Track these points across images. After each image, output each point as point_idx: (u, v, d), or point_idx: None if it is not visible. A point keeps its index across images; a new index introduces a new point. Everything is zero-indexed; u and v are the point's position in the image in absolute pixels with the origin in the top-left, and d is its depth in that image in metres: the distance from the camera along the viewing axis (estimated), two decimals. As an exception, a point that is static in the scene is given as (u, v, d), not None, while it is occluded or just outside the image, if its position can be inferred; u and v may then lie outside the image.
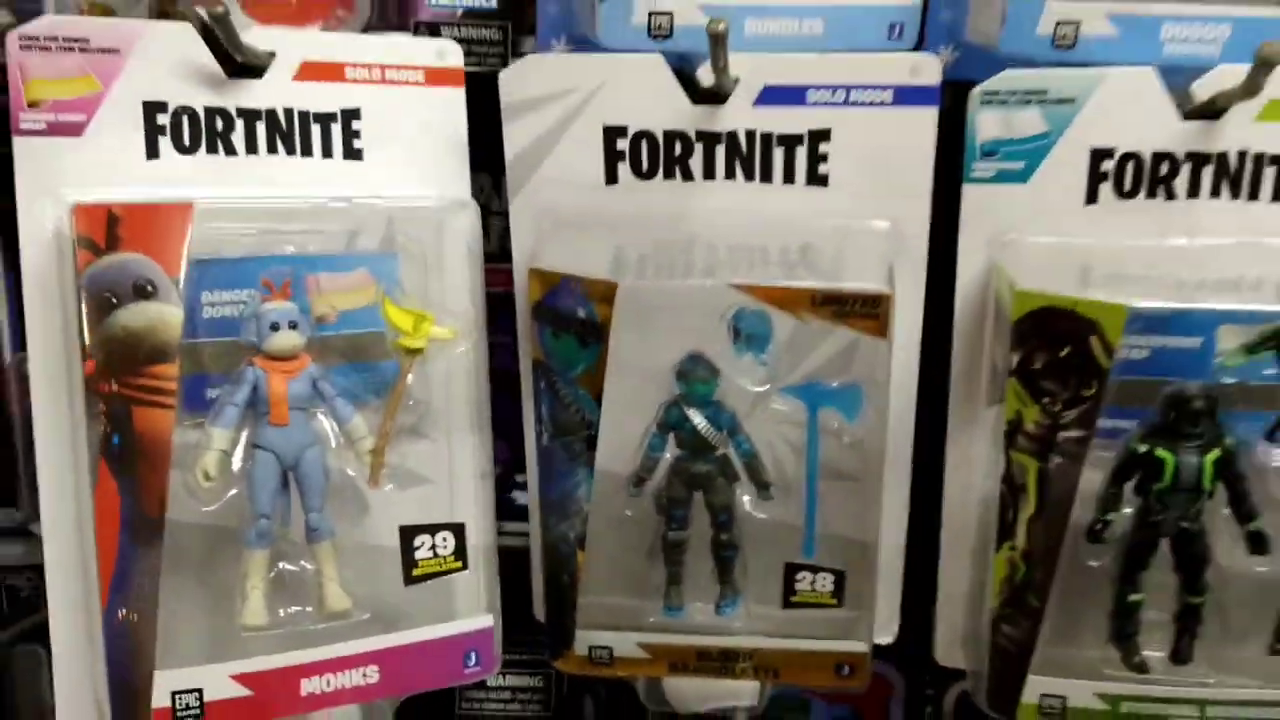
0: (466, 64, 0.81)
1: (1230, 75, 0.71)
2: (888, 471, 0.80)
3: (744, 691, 0.86)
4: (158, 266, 0.65)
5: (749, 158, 0.78)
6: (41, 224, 0.69)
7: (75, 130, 0.70)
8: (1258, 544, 0.72)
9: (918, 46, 0.80)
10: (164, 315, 0.65)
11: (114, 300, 0.64)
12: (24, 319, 0.70)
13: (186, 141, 0.73)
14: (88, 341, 0.65)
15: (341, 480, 0.72)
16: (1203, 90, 0.72)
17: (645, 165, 0.79)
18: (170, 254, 0.66)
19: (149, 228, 0.65)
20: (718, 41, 0.70)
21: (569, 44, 0.81)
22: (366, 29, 0.84)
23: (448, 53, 0.79)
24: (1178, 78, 0.73)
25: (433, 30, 0.85)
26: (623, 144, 0.78)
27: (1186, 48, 0.75)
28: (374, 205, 0.73)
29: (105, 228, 0.64)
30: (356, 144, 0.77)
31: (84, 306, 0.64)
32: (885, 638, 0.86)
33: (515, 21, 0.85)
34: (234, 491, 0.70)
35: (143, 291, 0.65)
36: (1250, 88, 0.68)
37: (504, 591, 0.84)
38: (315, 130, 0.76)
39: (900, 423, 0.81)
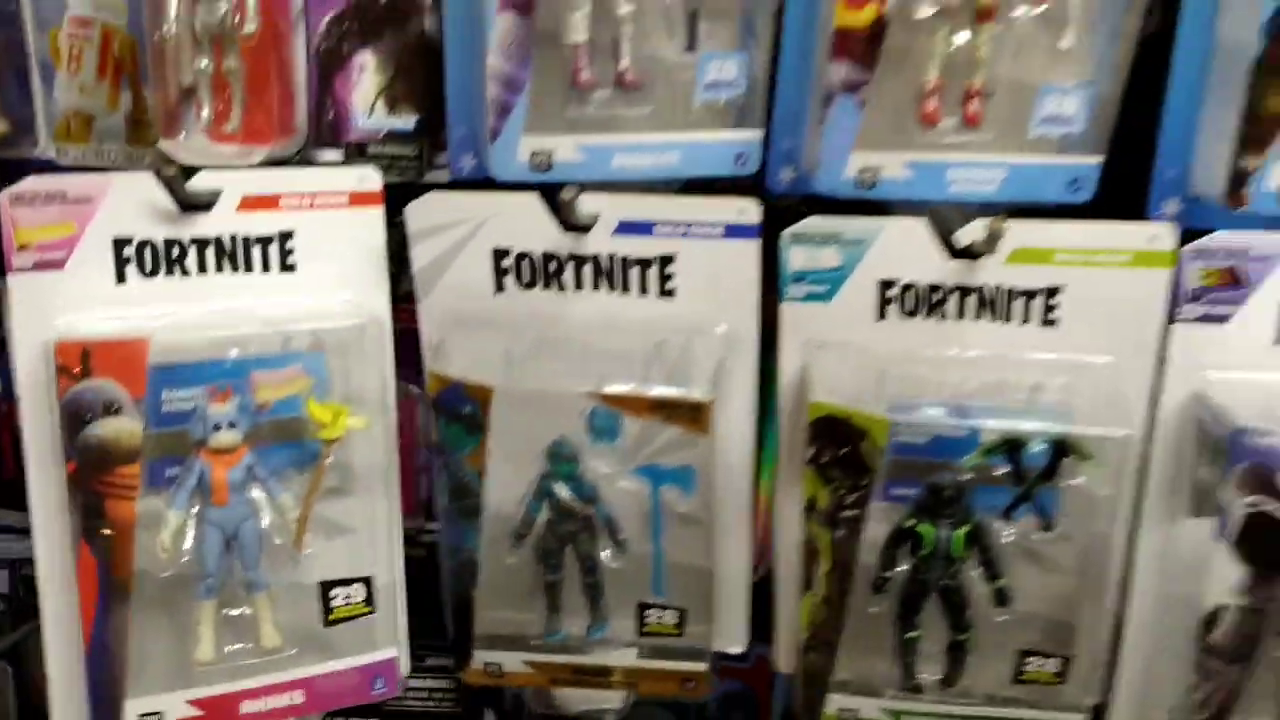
0: (390, 175, 0.98)
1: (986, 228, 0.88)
2: (731, 517, 0.99)
3: (613, 697, 1.06)
4: (122, 389, 0.84)
5: (610, 274, 0.95)
6: (33, 345, 0.87)
7: (57, 265, 0.88)
8: (1001, 599, 0.90)
9: (761, 170, 0.97)
10: (127, 428, 0.84)
11: (88, 417, 0.83)
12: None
13: (149, 269, 0.90)
14: (68, 448, 0.83)
15: (273, 544, 0.91)
16: (964, 237, 0.89)
17: (527, 279, 0.96)
18: (132, 378, 0.84)
19: (114, 358, 0.83)
20: (567, 205, 0.87)
21: (475, 158, 0.98)
22: (304, 148, 1.01)
23: (367, 178, 0.96)
24: (945, 226, 0.90)
25: (360, 148, 1.01)
26: (507, 262, 0.96)
27: (968, 187, 0.92)
28: (302, 328, 0.90)
29: (79, 359, 0.82)
30: (291, 260, 0.94)
31: (64, 422, 0.83)
32: (736, 648, 1.06)
33: (431, 140, 1.01)
34: (187, 557, 0.89)
35: (110, 409, 0.83)
36: (989, 244, 0.86)
37: (429, 599, 1.03)
38: (256, 251, 0.93)
39: (738, 475, 0.99)
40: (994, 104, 0.91)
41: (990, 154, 0.91)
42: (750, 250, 0.92)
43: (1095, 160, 0.91)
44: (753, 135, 0.95)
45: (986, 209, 0.92)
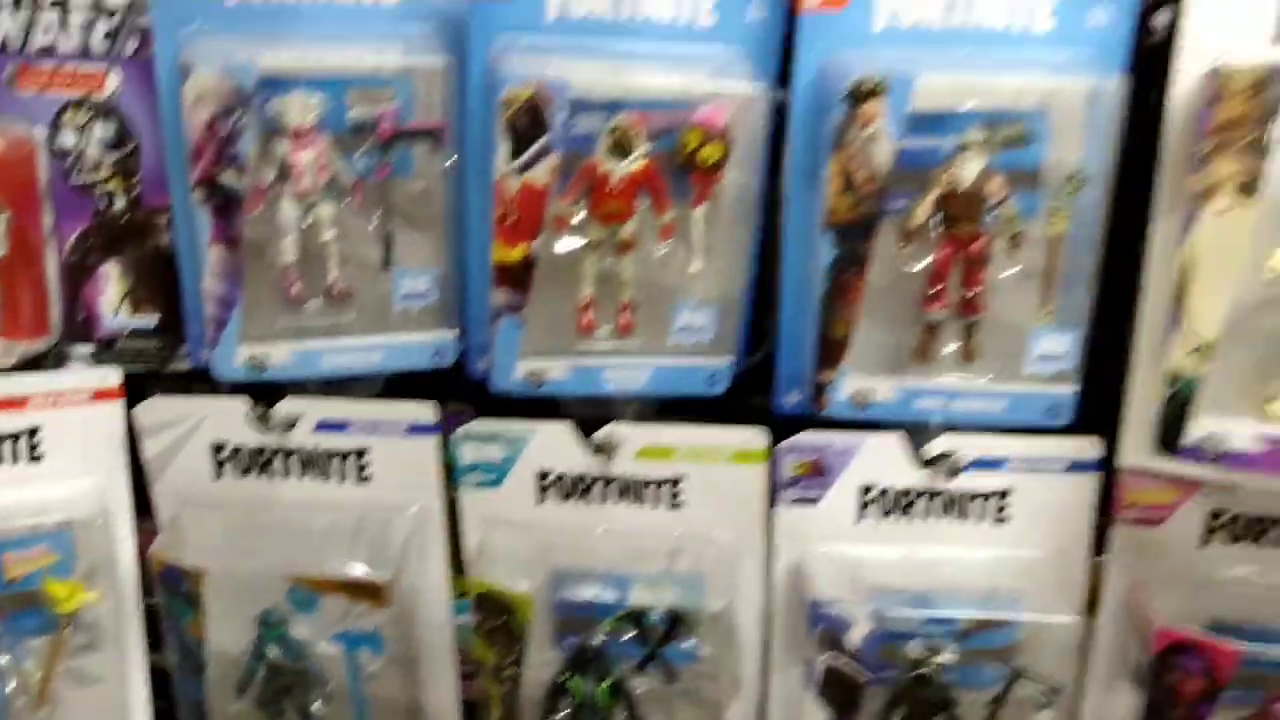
0: (136, 366, 1.13)
1: (617, 431, 1.06)
2: (435, 661, 1.15)
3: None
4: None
5: (314, 464, 1.11)
6: None
7: None
8: (644, 735, 1.08)
9: (461, 358, 1.13)
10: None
11: None
12: None
13: (-93, 472, 1.04)
14: None
15: (19, 703, 1.06)
16: (599, 439, 1.07)
17: (243, 467, 1.12)
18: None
19: None
20: (265, 419, 1.03)
21: (210, 350, 1.13)
22: (59, 344, 1.16)
23: (109, 377, 1.11)
24: (588, 427, 1.07)
25: (110, 343, 1.15)
26: (223, 456, 1.11)
27: (622, 385, 1.08)
28: (48, 516, 1.05)
29: None
30: (37, 452, 1.09)
31: None
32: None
33: (172, 335, 1.15)
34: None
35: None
36: (613, 448, 1.04)
37: None
38: (6, 446, 1.08)
39: (438, 627, 1.15)
40: (641, 315, 1.08)
41: (639, 357, 1.08)
42: (429, 445, 1.09)
43: (727, 360, 1.09)
44: (449, 334, 1.12)
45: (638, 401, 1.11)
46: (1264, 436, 0.91)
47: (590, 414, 1.12)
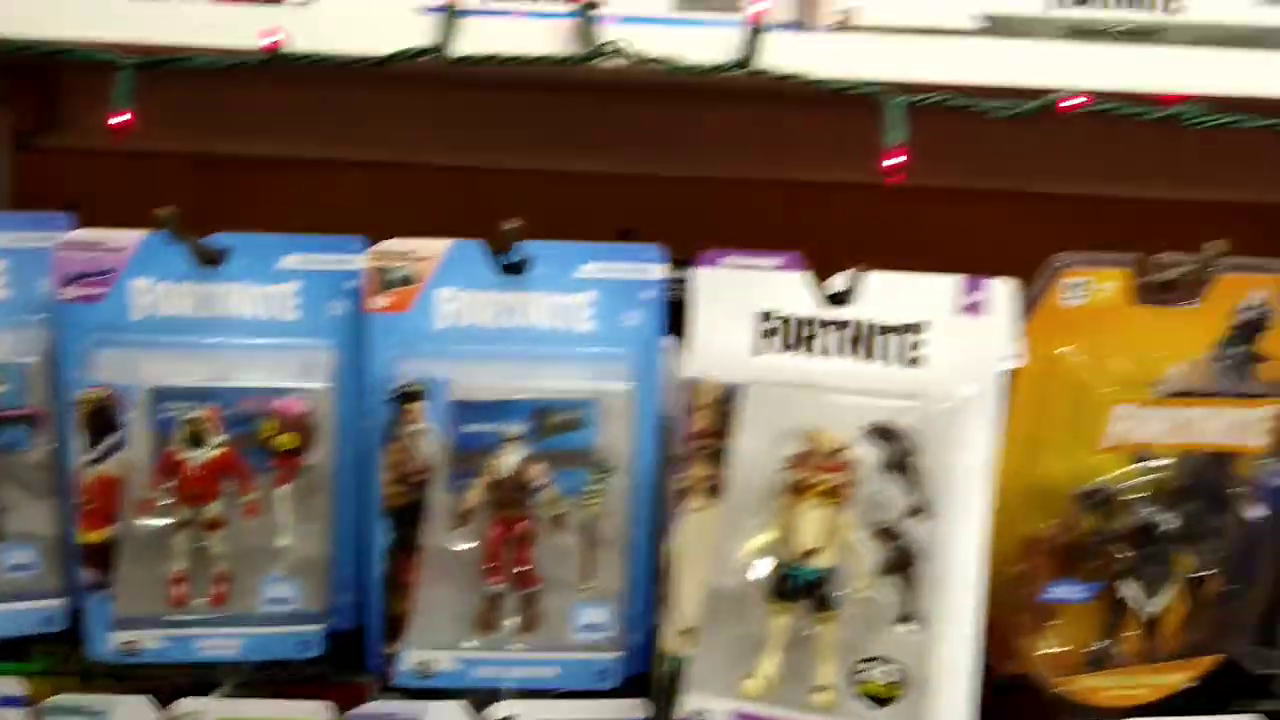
0: None
1: (194, 704, 1.12)
2: None
3: None
4: None
5: None
6: None
7: None
8: None
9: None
10: None
11: None
12: None
13: None
14: None
15: None
16: (176, 712, 1.13)
17: None
18: None
19: None
20: None
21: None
22: None
23: None
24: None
25: None
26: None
27: (217, 652, 1.14)
28: None
29: None
30: None
31: None
32: None
33: None
34: None
35: None
36: (182, 726, 1.10)
37: None
38: None
39: None
40: (234, 586, 1.15)
41: (233, 626, 1.15)
42: (17, 716, 1.13)
43: (319, 627, 1.16)
44: (57, 602, 1.17)
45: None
46: (739, 713, 1.00)
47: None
